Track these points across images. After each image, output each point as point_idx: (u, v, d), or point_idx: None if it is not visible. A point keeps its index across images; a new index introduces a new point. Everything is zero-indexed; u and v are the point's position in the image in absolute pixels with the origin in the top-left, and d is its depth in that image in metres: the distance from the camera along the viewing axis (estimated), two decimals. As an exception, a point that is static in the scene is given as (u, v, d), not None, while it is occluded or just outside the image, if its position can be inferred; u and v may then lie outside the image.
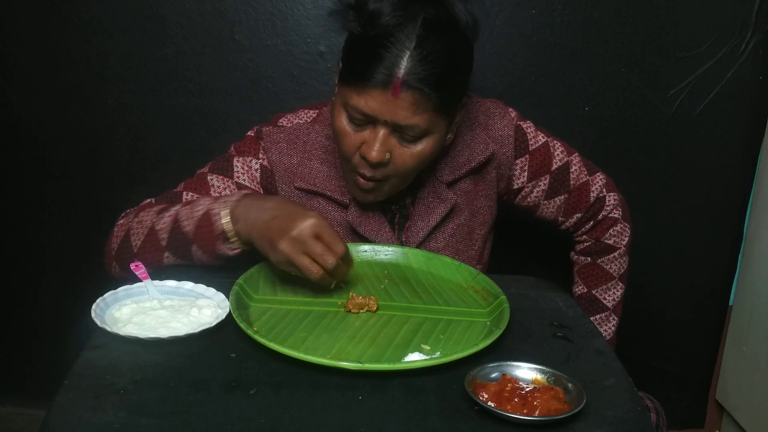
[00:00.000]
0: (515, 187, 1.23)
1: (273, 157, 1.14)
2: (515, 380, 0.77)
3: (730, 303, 1.74)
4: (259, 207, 0.97)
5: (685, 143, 1.61)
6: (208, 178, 1.13)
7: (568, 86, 1.55)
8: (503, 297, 0.97)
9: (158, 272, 1.02)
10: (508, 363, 0.81)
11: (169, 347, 0.83)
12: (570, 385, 0.77)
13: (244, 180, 1.13)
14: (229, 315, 0.88)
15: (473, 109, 1.18)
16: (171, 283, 0.98)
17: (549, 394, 0.74)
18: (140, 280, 0.98)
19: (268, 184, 1.15)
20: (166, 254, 1.03)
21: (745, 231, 1.69)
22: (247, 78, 1.52)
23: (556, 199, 1.24)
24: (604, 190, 1.26)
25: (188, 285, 0.98)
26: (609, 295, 1.31)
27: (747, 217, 1.68)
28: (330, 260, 0.91)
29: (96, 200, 1.60)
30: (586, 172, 1.24)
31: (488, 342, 0.85)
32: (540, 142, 1.21)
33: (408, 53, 0.95)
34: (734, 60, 1.55)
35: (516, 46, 1.52)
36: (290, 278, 1.05)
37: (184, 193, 1.12)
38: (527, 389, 0.75)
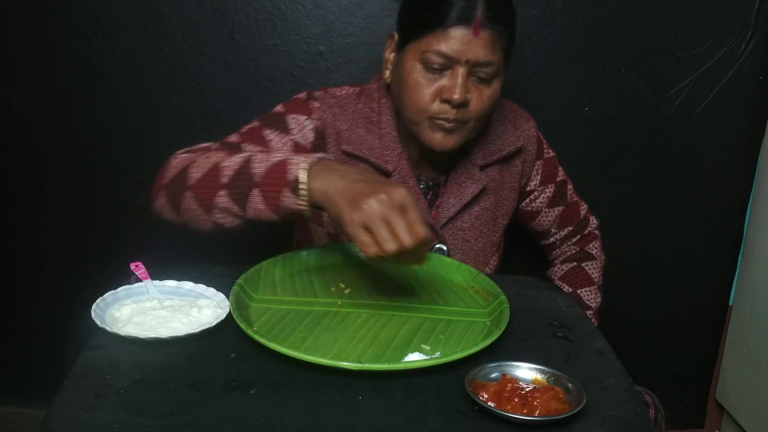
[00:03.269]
0: (529, 188, 1.29)
1: (327, 118, 1.16)
2: (515, 380, 0.77)
3: (730, 303, 1.74)
4: (342, 169, 0.92)
5: (685, 143, 1.61)
6: (264, 132, 1.12)
7: (568, 86, 1.55)
8: (503, 297, 0.97)
9: (158, 272, 1.02)
10: (508, 363, 0.81)
11: (169, 347, 0.83)
12: (570, 385, 0.77)
13: (298, 138, 1.13)
14: (229, 315, 0.88)
15: (501, 103, 1.25)
16: (171, 283, 0.98)
17: (549, 394, 0.74)
18: (140, 280, 0.98)
19: (319, 145, 1.16)
20: (222, 192, 0.96)
21: (745, 231, 1.69)
22: (247, 78, 1.51)
23: (555, 208, 1.31)
24: (588, 213, 1.37)
25: (188, 285, 0.98)
26: (591, 298, 1.32)
27: (747, 217, 1.68)
28: (408, 241, 0.85)
29: (96, 200, 1.60)
30: (576, 195, 1.35)
31: (488, 342, 0.85)
32: (550, 154, 1.30)
33: None
34: (734, 60, 1.55)
35: (516, 45, 1.52)
36: (290, 278, 1.05)
37: (243, 144, 1.10)
38: (527, 389, 0.75)
